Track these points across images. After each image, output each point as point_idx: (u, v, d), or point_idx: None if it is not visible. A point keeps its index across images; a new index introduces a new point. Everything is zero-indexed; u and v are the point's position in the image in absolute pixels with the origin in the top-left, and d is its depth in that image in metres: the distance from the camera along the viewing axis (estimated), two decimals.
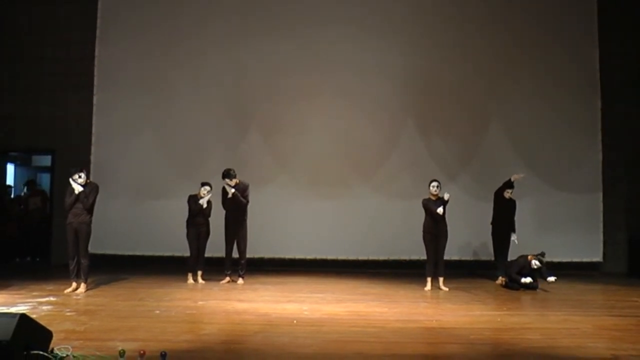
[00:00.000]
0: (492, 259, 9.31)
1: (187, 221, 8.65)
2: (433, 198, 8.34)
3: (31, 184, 11.82)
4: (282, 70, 10.52)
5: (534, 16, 10.70)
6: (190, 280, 8.58)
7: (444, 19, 10.65)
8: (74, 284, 7.57)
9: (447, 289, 8.18)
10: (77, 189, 7.47)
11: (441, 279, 8.33)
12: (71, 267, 7.57)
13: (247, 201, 8.60)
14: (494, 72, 10.59)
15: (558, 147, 10.47)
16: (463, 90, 10.53)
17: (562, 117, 10.50)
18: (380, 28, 10.57)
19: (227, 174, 8.49)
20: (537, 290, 8.18)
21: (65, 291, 7.44)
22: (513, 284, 8.25)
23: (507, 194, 8.92)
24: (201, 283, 8.56)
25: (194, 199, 8.58)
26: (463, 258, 10.20)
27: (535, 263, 8.17)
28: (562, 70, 10.59)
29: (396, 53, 10.51)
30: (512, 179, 8.90)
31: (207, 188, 8.59)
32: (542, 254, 8.23)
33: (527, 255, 8.31)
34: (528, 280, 8.12)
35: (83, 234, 7.55)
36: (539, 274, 8.23)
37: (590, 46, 10.64)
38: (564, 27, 10.68)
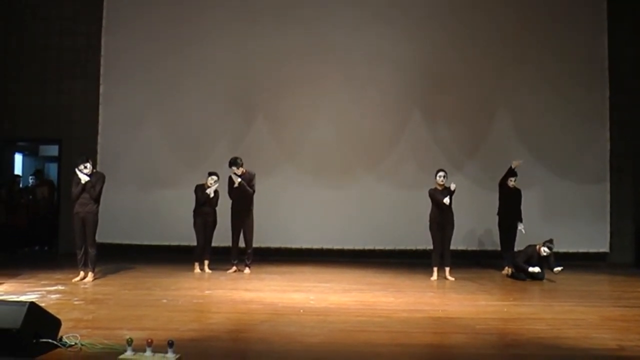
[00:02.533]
0: (498, 249, 9.30)
1: (194, 211, 8.67)
2: (439, 188, 8.32)
3: (39, 173, 11.87)
4: (289, 59, 10.49)
5: (542, 4, 10.62)
6: (197, 270, 8.62)
7: (452, 7, 10.57)
8: (82, 273, 7.62)
9: (453, 279, 8.18)
10: (84, 178, 7.50)
11: (447, 269, 8.33)
12: (79, 257, 7.62)
13: (254, 191, 8.61)
14: (501, 62, 10.52)
15: (565, 137, 10.41)
16: (470, 80, 10.48)
17: (570, 107, 10.44)
18: (388, 16, 10.51)
19: (234, 162, 8.50)
20: (544, 280, 8.17)
21: (73, 280, 7.49)
22: (519, 274, 8.24)
23: (511, 182, 8.89)
24: (208, 272, 8.60)
25: (200, 189, 8.59)
26: (469, 248, 10.20)
27: (544, 250, 8.14)
28: (571, 60, 10.51)
29: (404, 42, 10.46)
30: (513, 166, 8.88)
31: (214, 178, 8.59)
32: (551, 241, 8.21)
33: (535, 245, 8.30)
34: (536, 269, 8.09)
35: (90, 223, 7.59)
36: (546, 264, 8.22)
37: (599, 36, 10.54)
38: (572, 16, 10.58)
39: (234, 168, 8.49)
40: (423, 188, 8.67)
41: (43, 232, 11.15)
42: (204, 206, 8.59)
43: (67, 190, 9.93)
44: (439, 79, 10.46)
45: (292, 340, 4.72)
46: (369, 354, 4.37)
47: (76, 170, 7.55)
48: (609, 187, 10.41)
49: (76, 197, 7.56)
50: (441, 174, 8.34)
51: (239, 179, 8.45)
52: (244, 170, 8.57)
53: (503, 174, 8.99)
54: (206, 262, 8.70)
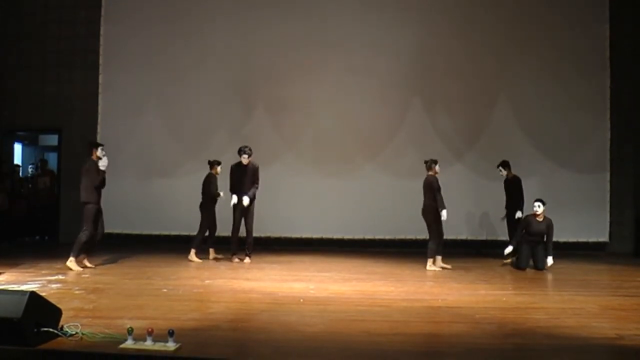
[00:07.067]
0: (499, 238, 9.38)
1: (207, 202, 8.74)
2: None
3: (43, 163, 11.83)
4: (289, 48, 10.47)
5: None
6: (213, 255, 8.73)
7: None
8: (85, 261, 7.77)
9: (438, 269, 8.13)
10: (103, 165, 7.60)
11: (439, 258, 8.28)
12: (89, 245, 7.76)
13: (258, 184, 8.61)
14: (502, 50, 10.48)
15: (566, 126, 10.40)
16: (471, 68, 10.45)
17: (571, 96, 10.41)
18: (388, 5, 10.48)
19: (243, 151, 8.51)
20: (543, 270, 8.18)
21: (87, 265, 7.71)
22: (520, 264, 8.23)
23: (500, 173, 9.02)
24: (210, 261, 8.63)
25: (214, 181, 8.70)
26: (469, 237, 10.21)
27: (537, 205, 8.16)
28: (572, 48, 10.46)
29: (404, 30, 10.43)
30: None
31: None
32: (541, 200, 8.23)
33: (531, 214, 8.33)
34: (509, 249, 8.16)
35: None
36: (543, 250, 8.20)
37: (601, 24, 10.48)
38: (573, 4, 10.53)
39: (244, 156, 8.47)
40: (423, 177, 8.65)
41: (43, 222, 11.16)
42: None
43: (67, 180, 9.98)
44: (439, 68, 10.43)
45: (292, 329, 4.73)
46: (368, 343, 4.38)
47: (104, 157, 7.63)
48: (609, 176, 10.41)
49: (99, 185, 7.65)
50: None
51: (247, 200, 8.43)
52: (250, 161, 8.55)
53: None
54: (211, 251, 8.78)
